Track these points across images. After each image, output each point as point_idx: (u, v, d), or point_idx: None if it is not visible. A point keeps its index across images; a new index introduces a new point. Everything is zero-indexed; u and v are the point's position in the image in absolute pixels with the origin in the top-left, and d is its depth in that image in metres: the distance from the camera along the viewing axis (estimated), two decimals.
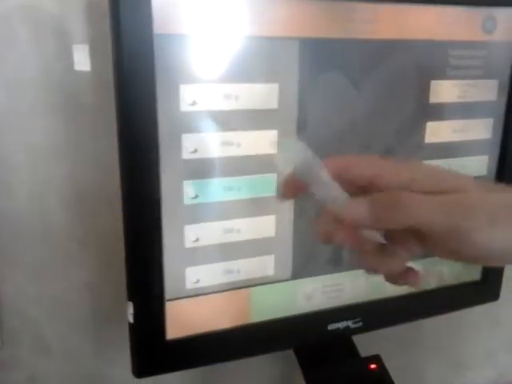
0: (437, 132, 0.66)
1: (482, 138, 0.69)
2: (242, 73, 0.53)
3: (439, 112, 0.65)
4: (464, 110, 0.66)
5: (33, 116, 0.61)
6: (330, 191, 0.34)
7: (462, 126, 0.67)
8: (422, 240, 0.34)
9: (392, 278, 0.36)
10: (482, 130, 0.69)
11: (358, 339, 0.72)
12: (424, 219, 0.32)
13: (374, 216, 0.33)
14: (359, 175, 0.35)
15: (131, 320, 0.56)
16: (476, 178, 0.67)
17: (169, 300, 0.57)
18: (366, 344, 0.72)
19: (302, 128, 0.58)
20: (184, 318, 0.59)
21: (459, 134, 0.67)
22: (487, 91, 0.67)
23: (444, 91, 0.64)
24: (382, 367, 0.70)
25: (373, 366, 0.70)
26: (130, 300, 0.56)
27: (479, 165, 0.71)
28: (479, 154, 0.70)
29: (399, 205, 0.32)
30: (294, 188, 0.37)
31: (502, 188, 0.35)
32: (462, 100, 0.66)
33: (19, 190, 0.62)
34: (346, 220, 0.34)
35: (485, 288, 0.77)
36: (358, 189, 0.35)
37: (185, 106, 0.52)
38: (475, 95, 0.66)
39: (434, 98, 0.64)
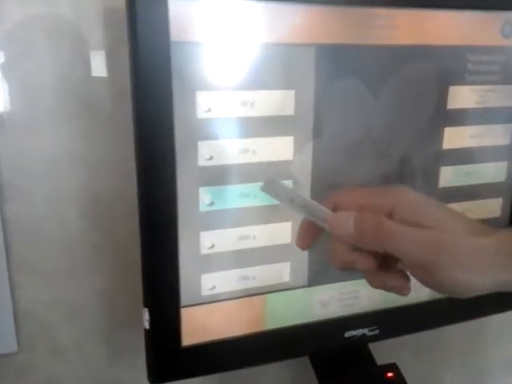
0: (455, 138, 0.65)
1: (501, 143, 0.68)
2: (257, 79, 0.53)
3: (457, 118, 0.64)
4: (482, 116, 0.66)
5: (50, 123, 0.61)
6: (315, 209, 0.39)
7: (481, 132, 0.66)
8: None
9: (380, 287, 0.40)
10: (501, 135, 0.68)
11: (375, 347, 0.72)
12: (399, 250, 0.36)
13: (358, 235, 0.37)
14: (350, 205, 0.39)
15: (147, 326, 0.56)
16: (492, 185, 0.68)
17: (184, 307, 0.57)
18: (384, 352, 0.72)
19: (318, 134, 0.58)
20: (199, 325, 0.59)
21: (478, 140, 0.67)
22: (506, 96, 0.66)
23: (462, 97, 0.63)
24: (398, 375, 0.70)
25: (389, 374, 0.69)
26: (145, 306, 0.56)
27: (498, 171, 0.70)
28: (498, 160, 0.69)
29: (380, 232, 0.36)
30: (306, 239, 0.42)
31: (488, 231, 0.38)
32: (480, 106, 0.65)
33: (36, 196, 0.63)
34: (332, 232, 0.38)
35: (505, 295, 0.75)
36: None
37: (201, 113, 0.52)
38: (494, 101, 0.65)
39: (452, 104, 0.63)
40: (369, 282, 0.40)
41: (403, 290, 0.39)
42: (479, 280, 0.36)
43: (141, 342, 0.57)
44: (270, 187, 0.41)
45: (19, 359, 0.67)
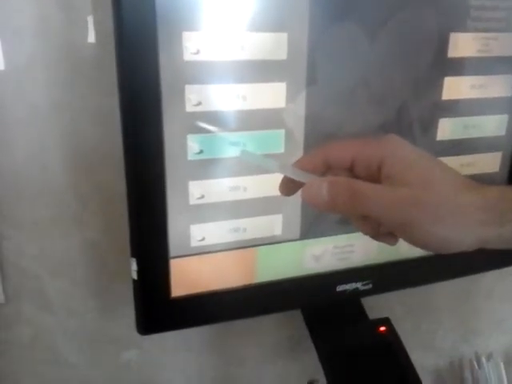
0: (455, 88, 0.62)
1: (502, 95, 0.66)
2: (248, 21, 0.51)
3: (458, 67, 0.62)
4: (485, 66, 0.63)
5: (32, 69, 0.58)
6: (294, 174, 0.39)
7: (482, 83, 0.64)
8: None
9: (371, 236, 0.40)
10: (504, 87, 0.66)
11: (366, 303, 0.71)
12: (376, 213, 0.35)
13: (332, 203, 0.36)
14: (341, 160, 0.39)
15: (135, 277, 0.56)
16: (491, 138, 0.65)
17: (173, 257, 0.56)
18: (375, 308, 0.71)
19: (311, 81, 0.55)
20: (189, 276, 0.58)
21: (478, 91, 0.64)
22: (510, 45, 0.63)
23: (464, 44, 0.61)
24: (391, 330, 0.69)
25: (382, 328, 0.69)
26: (133, 256, 0.55)
27: (498, 124, 0.67)
28: (499, 112, 0.67)
29: (354, 196, 0.35)
30: (289, 187, 0.41)
31: (476, 188, 0.37)
32: (482, 54, 0.62)
33: (18, 147, 0.60)
34: (307, 202, 0.37)
35: (499, 252, 0.74)
36: (347, 170, 0.39)
37: (188, 55, 0.49)
38: (497, 49, 0.63)
39: (452, 52, 0.60)
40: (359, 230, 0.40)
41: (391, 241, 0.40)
42: (458, 236, 0.35)
43: (130, 294, 0.57)
44: (246, 157, 0.42)
45: (6, 311, 0.66)
